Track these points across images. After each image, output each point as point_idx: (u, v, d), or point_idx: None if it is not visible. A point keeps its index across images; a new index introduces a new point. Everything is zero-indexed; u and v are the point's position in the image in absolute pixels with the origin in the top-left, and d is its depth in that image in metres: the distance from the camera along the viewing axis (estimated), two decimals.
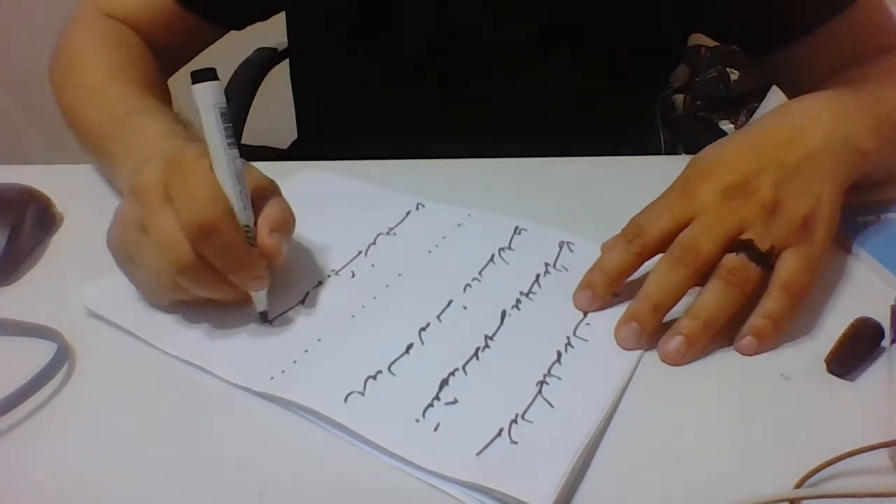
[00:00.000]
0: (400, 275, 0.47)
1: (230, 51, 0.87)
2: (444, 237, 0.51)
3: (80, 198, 0.57)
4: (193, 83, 0.40)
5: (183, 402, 0.39)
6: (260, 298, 0.43)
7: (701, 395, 0.39)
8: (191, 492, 0.34)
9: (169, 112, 0.54)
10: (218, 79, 0.40)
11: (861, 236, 0.49)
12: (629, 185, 0.58)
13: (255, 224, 0.41)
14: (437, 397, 0.37)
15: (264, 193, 0.43)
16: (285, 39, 0.79)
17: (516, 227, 0.52)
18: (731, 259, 0.41)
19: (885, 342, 0.41)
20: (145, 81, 0.60)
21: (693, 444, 0.36)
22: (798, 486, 0.32)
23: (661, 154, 1.04)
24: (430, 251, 0.50)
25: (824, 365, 0.40)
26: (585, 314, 0.44)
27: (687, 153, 1.11)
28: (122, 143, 0.51)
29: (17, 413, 0.37)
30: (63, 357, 0.40)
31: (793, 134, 0.45)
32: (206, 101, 0.40)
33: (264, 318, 0.43)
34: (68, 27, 0.65)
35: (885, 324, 0.42)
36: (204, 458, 0.36)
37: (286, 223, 0.43)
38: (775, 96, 1.34)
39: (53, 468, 0.35)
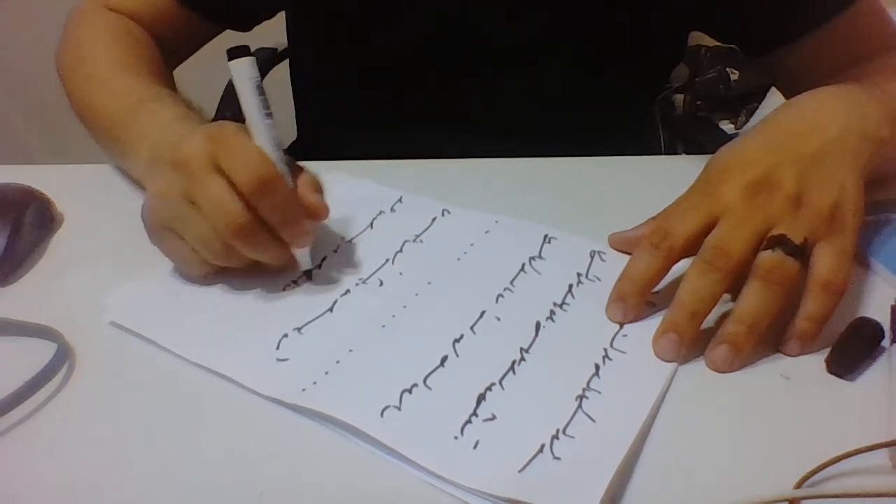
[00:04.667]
0: (429, 283, 0.47)
1: None
2: (472, 244, 0.51)
3: (80, 198, 0.57)
4: (230, 60, 0.43)
5: (183, 401, 0.39)
6: (303, 257, 0.46)
7: (701, 395, 0.39)
8: (191, 492, 0.34)
9: (179, 98, 0.56)
10: (252, 55, 0.43)
11: (861, 236, 0.49)
12: (629, 184, 0.59)
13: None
14: (474, 413, 0.37)
15: (296, 165, 0.46)
16: (285, 39, 0.80)
17: (545, 236, 0.51)
18: (767, 257, 0.40)
19: (885, 342, 0.41)
20: (154, 71, 0.61)
21: (693, 444, 0.36)
22: (798, 486, 0.32)
23: (661, 154, 1.04)
24: (458, 259, 0.49)
25: (824, 365, 0.40)
26: (621, 325, 0.43)
27: (687, 153, 1.11)
28: (136, 129, 0.52)
29: (17, 413, 0.37)
30: (63, 357, 0.40)
31: (808, 126, 0.45)
32: (242, 76, 0.43)
33: (309, 276, 0.47)
34: (74, 21, 0.66)
35: (885, 324, 0.42)
36: (204, 458, 0.36)
37: (321, 187, 0.46)
38: (775, 96, 1.34)
39: (53, 468, 0.35)
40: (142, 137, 0.51)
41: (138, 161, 0.51)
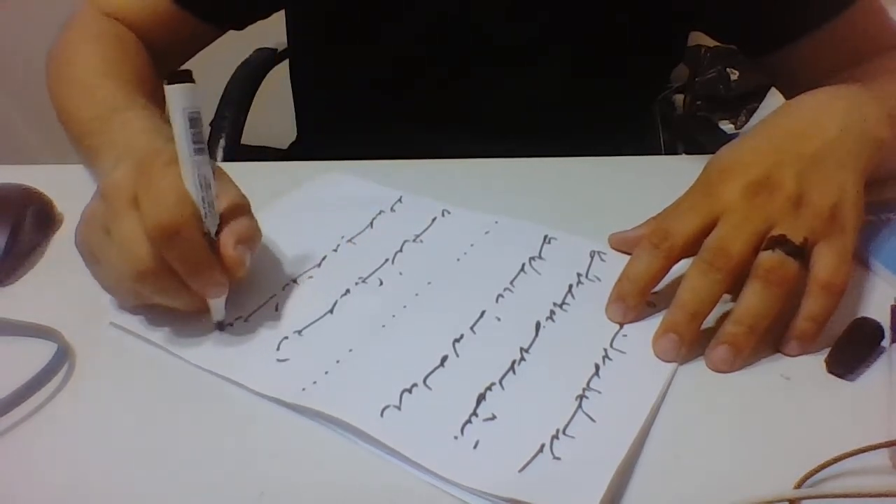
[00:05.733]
0: (429, 283, 0.47)
1: (230, 51, 0.88)
2: (472, 245, 0.50)
3: (80, 198, 0.56)
4: (167, 84, 0.39)
5: (183, 401, 0.39)
6: (217, 307, 0.42)
7: (701, 395, 0.39)
8: (191, 492, 0.34)
9: (156, 109, 0.53)
10: (193, 81, 0.39)
11: (861, 237, 0.49)
12: (629, 184, 0.59)
13: (218, 234, 0.41)
14: (474, 413, 0.37)
15: (236, 209, 0.42)
16: (285, 39, 0.80)
17: (545, 236, 0.51)
18: (767, 257, 0.40)
19: (885, 342, 0.41)
20: (137, 79, 0.59)
21: (693, 444, 0.36)
22: (798, 486, 0.32)
23: (661, 154, 1.04)
24: (458, 259, 0.49)
25: (824, 365, 0.40)
26: (621, 325, 0.43)
27: (687, 153, 1.11)
28: (106, 139, 0.50)
29: (17, 413, 0.37)
30: (63, 357, 0.40)
31: (808, 125, 0.45)
32: (176, 104, 0.39)
33: (220, 328, 0.43)
34: (68, 25, 0.66)
35: (885, 324, 0.42)
36: (204, 458, 0.36)
37: (252, 238, 0.42)
38: (775, 96, 1.34)
39: (53, 468, 0.35)
40: (109, 148, 0.49)
41: (104, 173, 0.47)
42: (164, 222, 0.38)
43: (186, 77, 0.39)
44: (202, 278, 0.40)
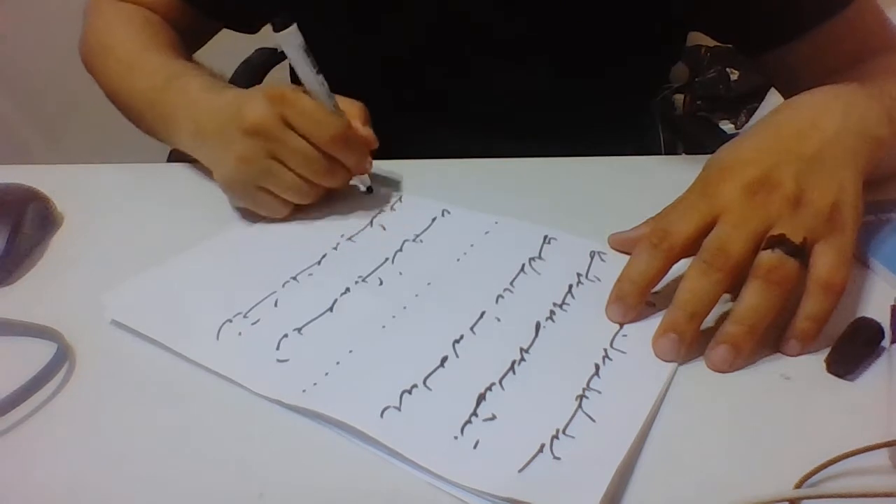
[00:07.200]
0: (429, 284, 0.47)
1: (230, 51, 0.88)
2: (472, 245, 0.51)
3: (80, 198, 0.57)
4: (275, 31, 0.48)
5: (183, 401, 0.39)
6: (365, 180, 0.56)
7: (701, 395, 0.39)
8: (191, 492, 0.34)
9: (204, 69, 0.62)
10: (294, 22, 0.49)
11: (861, 236, 0.49)
12: (629, 184, 0.59)
13: None
14: (474, 413, 0.37)
15: (346, 106, 0.53)
16: None
17: (545, 236, 0.51)
18: (767, 257, 0.40)
19: (885, 342, 0.41)
20: (174, 50, 0.65)
21: (693, 444, 0.36)
22: (798, 486, 0.32)
23: (661, 154, 1.04)
24: (458, 259, 0.49)
25: (824, 365, 0.40)
26: (621, 325, 0.43)
27: (687, 153, 1.11)
28: (171, 105, 0.57)
29: (17, 413, 0.37)
30: (63, 357, 0.40)
31: (807, 125, 0.45)
32: (291, 43, 0.49)
33: (370, 191, 0.57)
34: (91, 15, 0.71)
35: (885, 324, 0.42)
36: (204, 458, 0.36)
37: (367, 113, 0.54)
38: (775, 96, 1.34)
39: (53, 468, 0.35)
40: (178, 113, 0.56)
41: (181, 135, 0.57)
42: (335, 133, 0.50)
43: (286, 20, 0.48)
44: (362, 162, 0.53)
